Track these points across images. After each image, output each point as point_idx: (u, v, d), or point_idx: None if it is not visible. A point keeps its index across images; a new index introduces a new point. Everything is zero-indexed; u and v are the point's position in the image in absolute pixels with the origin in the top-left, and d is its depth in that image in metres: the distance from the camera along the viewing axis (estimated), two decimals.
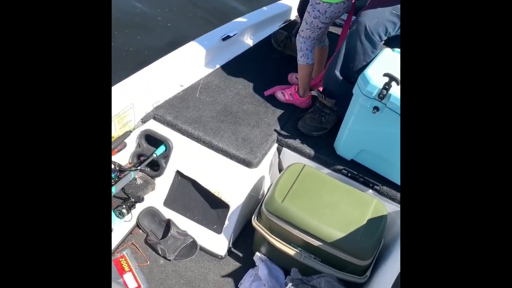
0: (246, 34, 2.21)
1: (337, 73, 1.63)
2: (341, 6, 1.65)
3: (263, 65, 2.11)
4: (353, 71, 1.60)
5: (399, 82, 1.36)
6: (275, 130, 1.77)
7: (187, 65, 1.92)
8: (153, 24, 2.85)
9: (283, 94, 1.92)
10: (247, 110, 1.84)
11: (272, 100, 1.92)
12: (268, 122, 1.80)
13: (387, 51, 1.56)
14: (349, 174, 1.65)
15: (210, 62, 2.02)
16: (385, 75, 1.37)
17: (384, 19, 1.49)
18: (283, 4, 2.42)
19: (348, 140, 1.63)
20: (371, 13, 1.50)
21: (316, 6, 1.62)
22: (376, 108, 1.45)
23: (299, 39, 1.76)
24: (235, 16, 2.26)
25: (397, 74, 1.42)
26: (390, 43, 1.64)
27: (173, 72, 1.86)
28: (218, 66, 2.04)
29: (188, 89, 1.88)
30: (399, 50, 1.57)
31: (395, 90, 1.38)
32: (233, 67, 2.06)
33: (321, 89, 1.81)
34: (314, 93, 1.83)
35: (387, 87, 1.38)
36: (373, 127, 1.51)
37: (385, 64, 1.49)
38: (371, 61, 1.56)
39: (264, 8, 2.42)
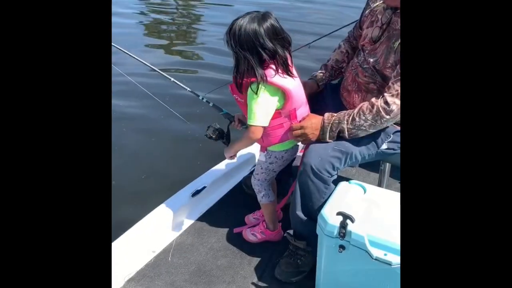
0: (216, 185, 2.26)
1: (300, 213, 1.62)
2: (296, 149, 1.72)
3: (236, 212, 2.11)
4: (313, 210, 1.59)
5: (354, 220, 1.34)
6: (253, 283, 1.69)
7: (158, 229, 1.91)
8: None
9: (254, 235, 1.89)
10: (222, 265, 1.78)
11: (247, 248, 1.87)
12: (244, 275, 1.73)
13: (342, 184, 1.57)
14: None
15: (181, 221, 2.02)
16: (338, 213, 1.36)
17: (328, 156, 1.54)
18: (249, 152, 2.52)
19: (326, 282, 1.54)
20: (314, 152, 1.56)
21: (272, 153, 1.69)
22: (341, 247, 1.40)
23: (255, 182, 1.80)
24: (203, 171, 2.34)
25: (354, 207, 1.42)
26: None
27: (144, 240, 1.84)
28: (190, 223, 2.04)
29: (160, 254, 1.84)
30: (354, 181, 1.58)
31: (353, 227, 1.35)
32: (206, 221, 2.05)
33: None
34: (285, 235, 1.80)
35: (343, 225, 1.35)
36: (345, 266, 1.44)
37: (341, 200, 1.49)
38: (329, 196, 1.56)
39: None
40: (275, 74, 1.47)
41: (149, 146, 3.30)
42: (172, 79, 1.95)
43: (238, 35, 1.43)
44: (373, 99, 1.52)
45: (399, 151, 1.70)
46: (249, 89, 1.47)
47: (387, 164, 1.95)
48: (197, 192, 2.12)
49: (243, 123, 1.76)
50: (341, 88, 1.81)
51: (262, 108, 1.50)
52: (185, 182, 2.23)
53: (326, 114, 1.57)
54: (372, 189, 1.55)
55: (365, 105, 1.52)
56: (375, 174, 2.35)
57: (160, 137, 3.42)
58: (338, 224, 1.37)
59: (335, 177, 1.60)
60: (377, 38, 1.62)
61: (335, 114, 1.56)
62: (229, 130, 1.81)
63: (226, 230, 1.99)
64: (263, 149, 1.72)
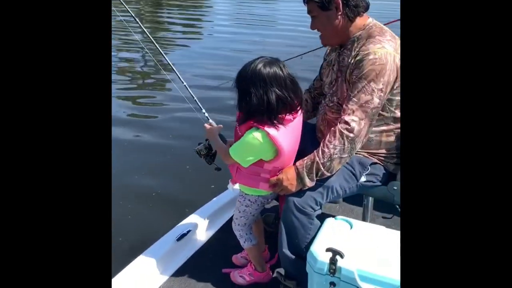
0: (201, 227, 2.24)
1: (287, 252, 1.62)
2: (270, 196, 1.74)
3: (224, 254, 2.08)
4: (301, 248, 1.60)
5: (343, 255, 1.35)
6: None
7: (143, 277, 1.86)
8: None
9: (243, 277, 1.87)
10: None
11: None
12: None
13: (328, 221, 1.59)
14: None
15: (167, 267, 1.98)
16: (328, 250, 1.37)
17: (309, 191, 1.58)
18: (231, 194, 2.51)
19: None
20: None
21: (246, 196, 1.70)
22: (332, 284, 1.40)
23: (235, 227, 1.81)
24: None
25: (341, 243, 1.43)
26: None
27: None
28: (177, 268, 1.99)
29: None
30: (340, 217, 1.61)
31: (343, 263, 1.36)
32: (193, 265, 2.02)
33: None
34: (275, 275, 1.78)
35: (333, 261, 1.36)
36: None
37: (329, 236, 1.50)
38: (316, 233, 1.57)
39: (218, 197, 2.51)
40: (273, 127, 1.48)
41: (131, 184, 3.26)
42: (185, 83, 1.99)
43: (241, 72, 1.49)
44: (332, 128, 1.58)
45: (378, 183, 1.75)
46: (250, 130, 1.50)
47: (370, 198, 1.98)
48: (182, 236, 2.09)
49: None
50: (316, 130, 1.89)
51: (245, 149, 1.53)
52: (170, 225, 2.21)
53: (297, 162, 1.60)
54: (358, 224, 1.57)
55: (328, 135, 1.58)
56: (359, 209, 2.38)
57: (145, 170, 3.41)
58: (327, 261, 1.38)
59: (319, 212, 1.63)
60: (334, 80, 1.73)
61: (305, 158, 1.60)
62: (216, 152, 1.77)
63: (213, 273, 1.95)
64: (233, 181, 1.72)
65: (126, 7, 2.14)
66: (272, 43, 8.18)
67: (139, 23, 2.17)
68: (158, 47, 2.15)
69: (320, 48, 1.86)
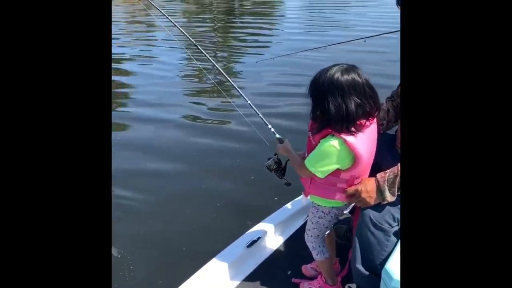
0: (272, 234, 2.25)
1: (360, 267, 1.57)
2: (344, 207, 1.70)
3: (294, 263, 2.07)
4: (375, 264, 1.54)
5: None
6: None
7: (214, 283, 1.91)
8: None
9: None
10: None
11: None
12: None
13: None
14: None
15: (237, 273, 2.01)
16: None
17: (388, 206, 1.51)
18: (302, 202, 2.49)
19: None
20: None
21: (319, 207, 1.67)
22: None
23: (308, 239, 1.77)
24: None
25: None
26: None
27: None
28: (247, 274, 2.02)
29: None
30: None
31: None
32: (263, 273, 2.03)
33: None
34: None
35: None
36: None
37: None
38: (392, 249, 1.51)
39: (288, 205, 2.50)
40: (351, 134, 1.43)
41: (197, 193, 3.35)
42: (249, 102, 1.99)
43: (316, 79, 1.45)
44: None
45: None
46: (326, 138, 1.46)
47: None
48: (252, 243, 2.12)
49: None
50: (397, 139, 1.81)
51: (322, 159, 1.48)
52: (239, 232, 2.25)
53: (379, 174, 1.54)
54: None
55: None
56: None
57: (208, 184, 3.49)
58: None
59: (396, 228, 1.55)
60: None
61: (388, 171, 1.53)
62: (286, 165, 1.76)
63: (283, 282, 1.95)
64: (306, 193, 1.68)
65: (176, 24, 2.25)
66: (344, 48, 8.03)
67: (193, 41, 2.24)
68: (221, 69, 2.21)
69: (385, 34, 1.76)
